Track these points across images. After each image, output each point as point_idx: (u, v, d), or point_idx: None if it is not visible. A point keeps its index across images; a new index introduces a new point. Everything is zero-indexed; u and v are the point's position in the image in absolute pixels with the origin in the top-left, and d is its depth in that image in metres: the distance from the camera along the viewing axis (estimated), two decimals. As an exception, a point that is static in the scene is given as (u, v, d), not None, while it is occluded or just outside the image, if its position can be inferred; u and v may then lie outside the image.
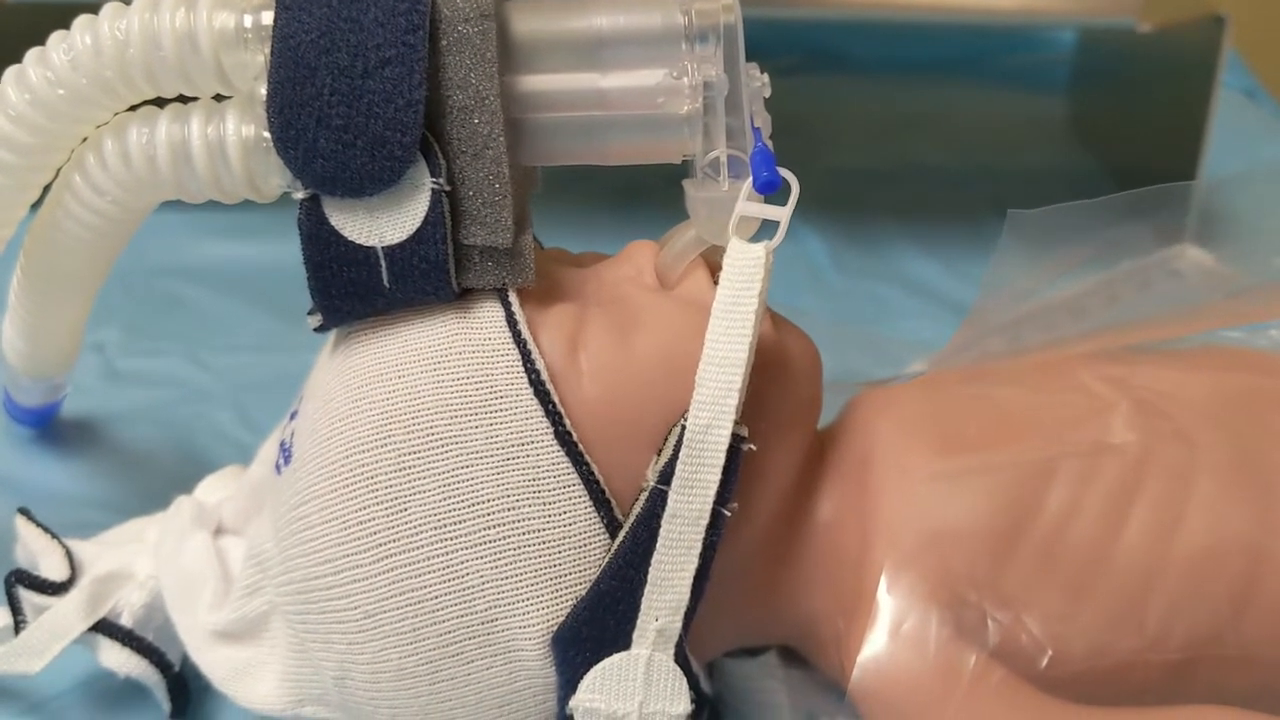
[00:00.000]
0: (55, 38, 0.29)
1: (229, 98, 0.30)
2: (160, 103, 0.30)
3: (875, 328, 0.58)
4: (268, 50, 0.28)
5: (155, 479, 0.46)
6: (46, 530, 0.35)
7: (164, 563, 0.33)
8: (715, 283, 0.29)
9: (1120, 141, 0.79)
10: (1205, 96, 0.59)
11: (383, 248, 0.28)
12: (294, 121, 0.27)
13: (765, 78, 0.29)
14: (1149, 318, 0.33)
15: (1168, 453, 0.30)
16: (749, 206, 0.28)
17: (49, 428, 0.48)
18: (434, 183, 0.27)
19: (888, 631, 0.28)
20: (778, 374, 0.29)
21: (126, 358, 0.53)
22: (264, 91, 0.27)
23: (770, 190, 0.28)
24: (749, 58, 0.29)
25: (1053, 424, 0.31)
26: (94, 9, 0.69)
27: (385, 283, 0.28)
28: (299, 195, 0.28)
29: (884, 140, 0.87)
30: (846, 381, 0.39)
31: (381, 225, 0.27)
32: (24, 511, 0.35)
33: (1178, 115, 0.63)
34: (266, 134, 0.28)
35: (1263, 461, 0.30)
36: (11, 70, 0.30)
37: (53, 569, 0.34)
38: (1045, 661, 0.28)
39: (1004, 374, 0.33)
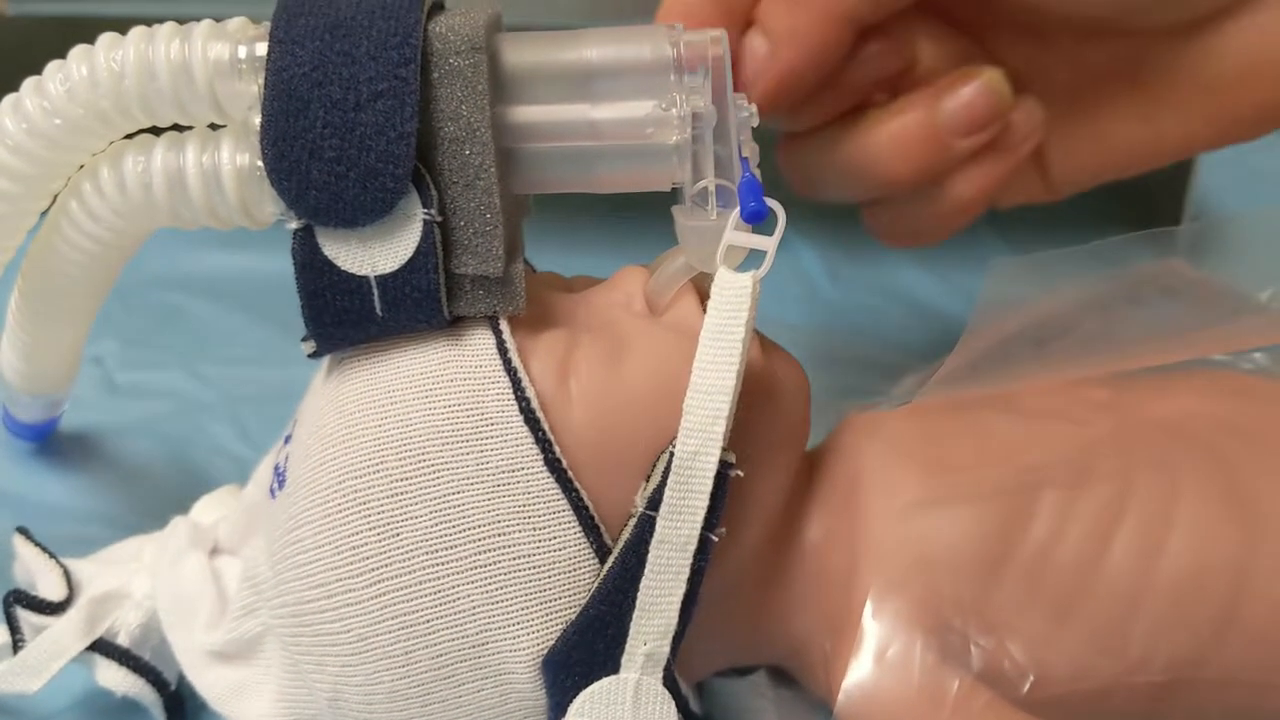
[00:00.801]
0: (52, 67, 0.30)
1: (223, 126, 0.30)
2: (155, 130, 0.30)
3: (867, 340, 0.58)
4: (261, 80, 0.28)
5: (153, 493, 0.46)
6: (44, 550, 0.35)
7: (160, 583, 0.33)
8: (704, 309, 0.29)
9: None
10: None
11: (375, 277, 0.28)
12: (288, 154, 0.27)
13: (753, 107, 0.29)
14: (1137, 343, 0.34)
15: (1151, 478, 0.31)
16: (736, 236, 0.28)
17: (48, 441, 0.48)
18: (426, 213, 0.27)
19: (873, 656, 0.28)
20: (765, 399, 0.30)
21: (125, 370, 0.53)
22: (258, 121, 0.28)
23: (758, 220, 0.28)
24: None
25: (1038, 450, 0.31)
26: (94, 20, 0.69)
27: (378, 311, 0.28)
28: (293, 225, 0.28)
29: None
30: (836, 400, 0.39)
31: (374, 255, 0.28)
32: (22, 530, 0.36)
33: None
34: (260, 162, 0.28)
35: (1245, 486, 0.31)
36: (8, 100, 0.30)
37: (50, 589, 0.34)
38: (1028, 686, 0.28)
39: (991, 400, 0.33)
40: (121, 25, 0.74)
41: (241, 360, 0.54)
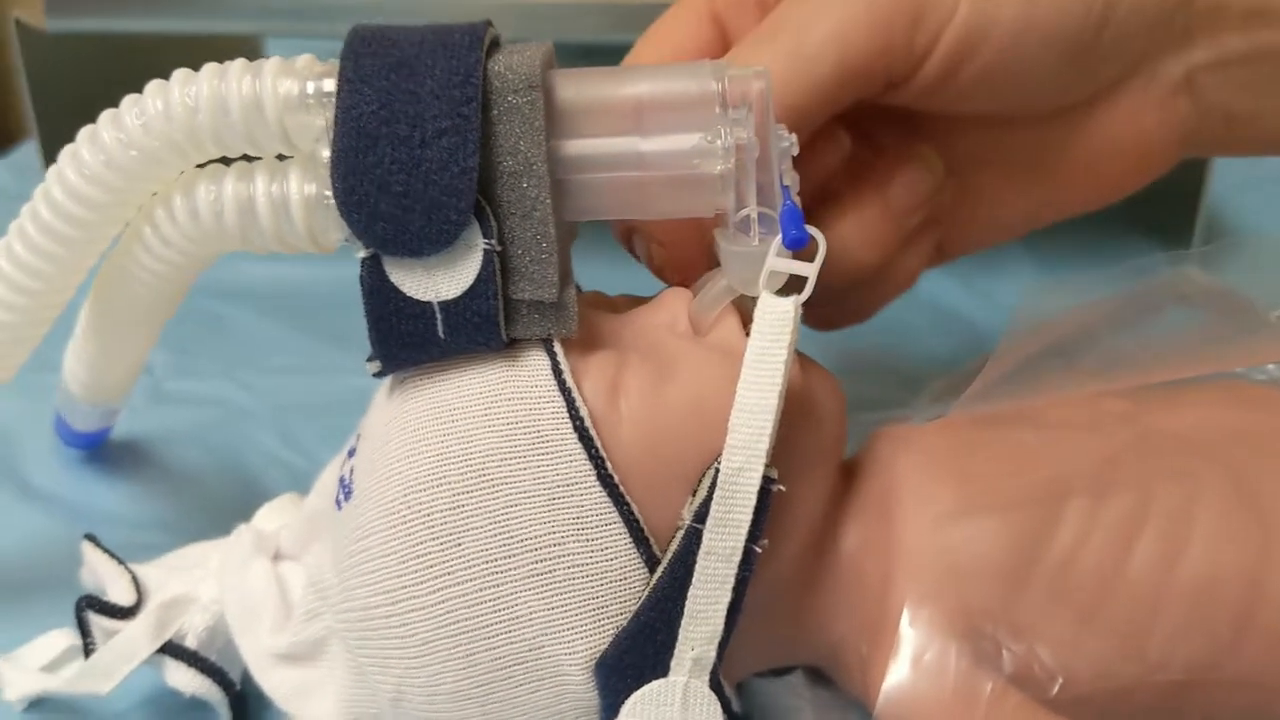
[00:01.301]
0: (128, 101, 0.31)
1: (290, 157, 0.32)
2: (225, 160, 0.32)
3: (894, 349, 0.59)
4: (329, 114, 0.30)
5: (204, 499, 0.48)
6: (113, 556, 0.37)
7: (227, 588, 0.35)
8: (745, 329, 0.31)
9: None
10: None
11: (438, 302, 0.30)
12: (357, 188, 0.29)
13: (794, 137, 0.31)
14: (1157, 359, 0.35)
15: (1170, 487, 0.32)
16: (778, 262, 0.30)
17: (99, 450, 0.50)
18: (486, 243, 0.29)
19: (910, 662, 0.30)
20: (805, 416, 0.31)
21: (173, 379, 0.55)
22: (326, 153, 0.29)
23: (798, 246, 0.30)
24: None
25: (1063, 461, 0.33)
26: (131, 36, 0.70)
27: (440, 334, 0.30)
28: (361, 254, 0.30)
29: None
30: (864, 410, 0.41)
31: (438, 282, 0.29)
32: (90, 537, 0.37)
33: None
34: (327, 192, 0.30)
35: (1261, 495, 0.32)
36: (85, 132, 0.32)
37: (120, 594, 0.36)
38: (1056, 689, 0.30)
39: (1018, 414, 0.34)
40: (157, 41, 0.76)
41: (285, 369, 0.56)
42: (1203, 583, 0.31)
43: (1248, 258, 0.39)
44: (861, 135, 0.38)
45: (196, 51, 0.80)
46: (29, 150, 0.79)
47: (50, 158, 0.69)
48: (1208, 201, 0.65)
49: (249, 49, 0.90)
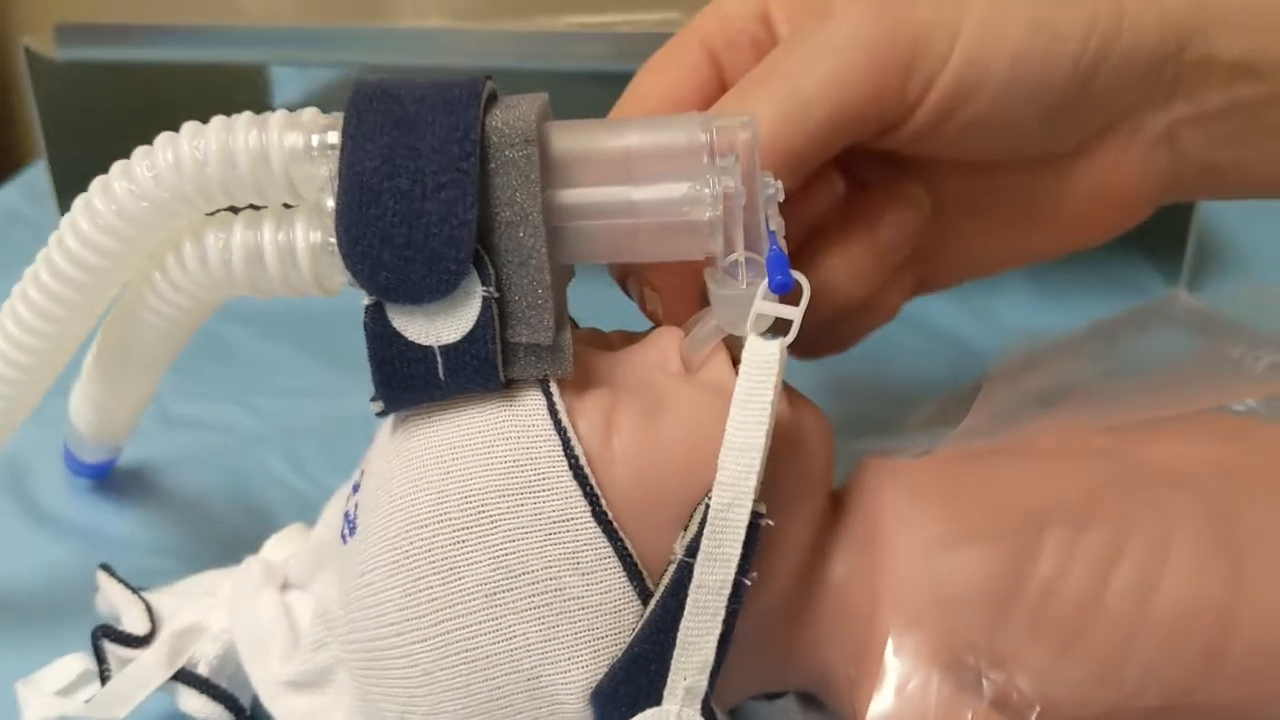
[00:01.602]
0: (139, 153, 0.33)
1: (294, 206, 0.33)
2: (233, 208, 0.33)
3: (886, 367, 0.60)
4: (331, 165, 0.31)
5: (212, 525, 0.49)
6: (127, 585, 0.38)
7: (238, 618, 0.36)
8: (735, 365, 0.32)
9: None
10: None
11: (439, 347, 0.31)
12: (360, 240, 0.30)
13: (779, 184, 0.32)
14: (1136, 398, 0.36)
15: (1148, 519, 0.33)
16: (765, 306, 0.31)
17: (110, 474, 0.51)
18: (485, 291, 0.30)
19: (894, 690, 0.31)
20: (792, 450, 0.32)
21: (180, 403, 0.56)
22: (330, 203, 0.31)
23: (784, 291, 0.31)
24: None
25: (1045, 493, 0.34)
26: (138, 66, 0.71)
27: (441, 376, 0.31)
28: (365, 301, 0.31)
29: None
30: (856, 433, 0.42)
31: (438, 327, 0.31)
32: (105, 567, 0.39)
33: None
34: (331, 239, 0.31)
35: (1235, 526, 0.33)
36: (98, 182, 0.33)
37: (134, 622, 0.37)
38: (1034, 716, 0.31)
39: (1002, 448, 0.36)
40: (164, 69, 0.77)
41: (292, 392, 0.58)
42: (1176, 614, 0.32)
43: (1245, 299, 0.41)
44: (850, 172, 0.39)
45: (202, 78, 0.81)
46: (39, 171, 0.81)
47: (59, 180, 0.70)
48: (1199, 215, 0.66)
49: (253, 77, 0.91)
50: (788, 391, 0.33)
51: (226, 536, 0.48)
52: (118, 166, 0.33)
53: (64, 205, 0.68)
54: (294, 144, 0.31)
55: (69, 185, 0.69)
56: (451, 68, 0.78)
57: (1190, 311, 0.46)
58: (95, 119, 0.71)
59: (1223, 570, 0.32)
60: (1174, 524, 0.33)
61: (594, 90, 0.77)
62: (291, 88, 0.98)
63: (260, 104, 0.99)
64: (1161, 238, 0.70)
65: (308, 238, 0.32)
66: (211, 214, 0.33)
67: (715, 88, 0.37)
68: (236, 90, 0.88)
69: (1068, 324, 0.46)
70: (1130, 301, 0.47)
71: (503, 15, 0.68)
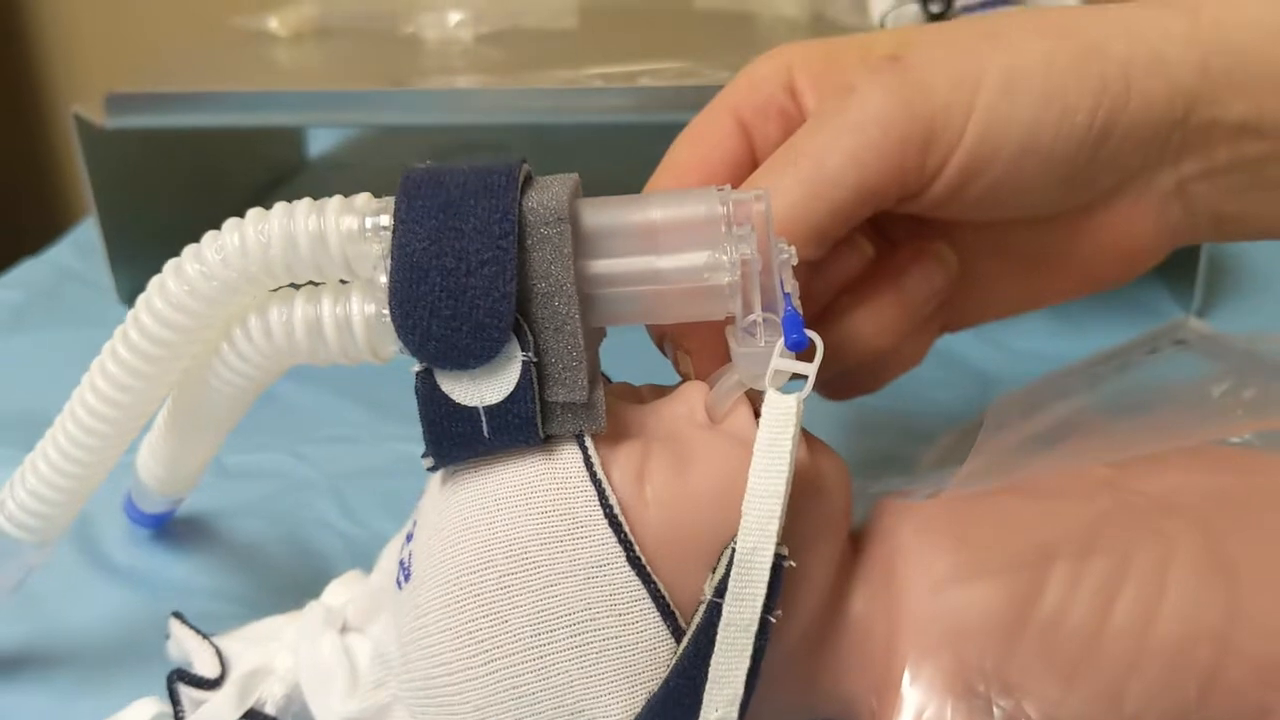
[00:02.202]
0: (208, 238, 0.36)
1: (349, 281, 0.36)
2: (293, 284, 0.36)
3: (903, 401, 0.62)
4: (383, 243, 0.34)
5: (269, 569, 0.52)
6: (198, 631, 0.41)
7: (301, 659, 0.39)
8: (756, 419, 0.34)
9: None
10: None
11: (484, 407, 0.34)
12: (411, 313, 0.33)
13: (793, 249, 0.35)
14: (1135, 435, 0.38)
15: (1147, 550, 0.35)
16: (781, 363, 0.34)
17: (172, 524, 0.54)
18: (524, 355, 0.33)
19: (912, 719, 0.34)
20: (813, 494, 0.35)
21: (233, 454, 0.59)
22: (383, 279, 0.34)
23: (799, 349, 0.34)
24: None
25: (1050, 527, 0.36)
26: (185, 131, 0.75)
27: (485, 434, 0.34)
28: (415, 369, 0.34)
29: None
30: (875, 470, 0.44)
31: (483, 390, 0.34)
32: (178, 615, 0.42)
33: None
34: (385, 311, 0.34)
35: (1232, 555, 0.36)
36: (170, 264, 0.36)
37: (205, 666, 0.40)
38: (1041, 740, 0.33)
39: (1012, 484, 0.38)
40: (211, 134, 0.81)
41: (338, 439, 0.61)
42: (1174, 642, 0.34)
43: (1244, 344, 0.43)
44: (878, 229, 0.41)
45: (242, 137, 0.85)
46: (88, 228, 0.85)
47: (109, 237, 0.73)
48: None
49: (289, 134, 0.94)
50: (807, 438, 0.36)
51: (283, 580, 0.51)
52: (188, 251, 0.36)
53: (113, 260, 0.72)
54: (349, 226, 0.34)
55: (118, 241, 0.73)
56: (483, 125, 0.81)
57: (1199, 336, 0.48)
58: (141, 176, 0.74)
59: (1220, 597, 0.35)
60: (1173, 553, 0.35)
61: (617, 138, 0.80)
62: (326, 140, 1.02)
63: (296, 158, 1.03)
64: (1175, 263, 0.71)
65: (363, 310, 0.35)
66: (274, 290, 0.36)
67: (747, 158, 0.40)
68: (274, 144, 0.92)
69: (1085, 352, 0.48)
70: (1148, 327, 0.49)
71: (527, 67, 0.71)
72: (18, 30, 1.26)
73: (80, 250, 0.84)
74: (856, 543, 0.38)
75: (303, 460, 0.59)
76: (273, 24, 0.81)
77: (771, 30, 0.78)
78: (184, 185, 0.83)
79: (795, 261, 0.35)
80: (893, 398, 0.63)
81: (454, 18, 0.78)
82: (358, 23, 0.82)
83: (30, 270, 0.83)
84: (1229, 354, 0.44)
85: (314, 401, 0.64)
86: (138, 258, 0.73)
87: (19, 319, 0.76)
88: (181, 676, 0.39)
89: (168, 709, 0.40)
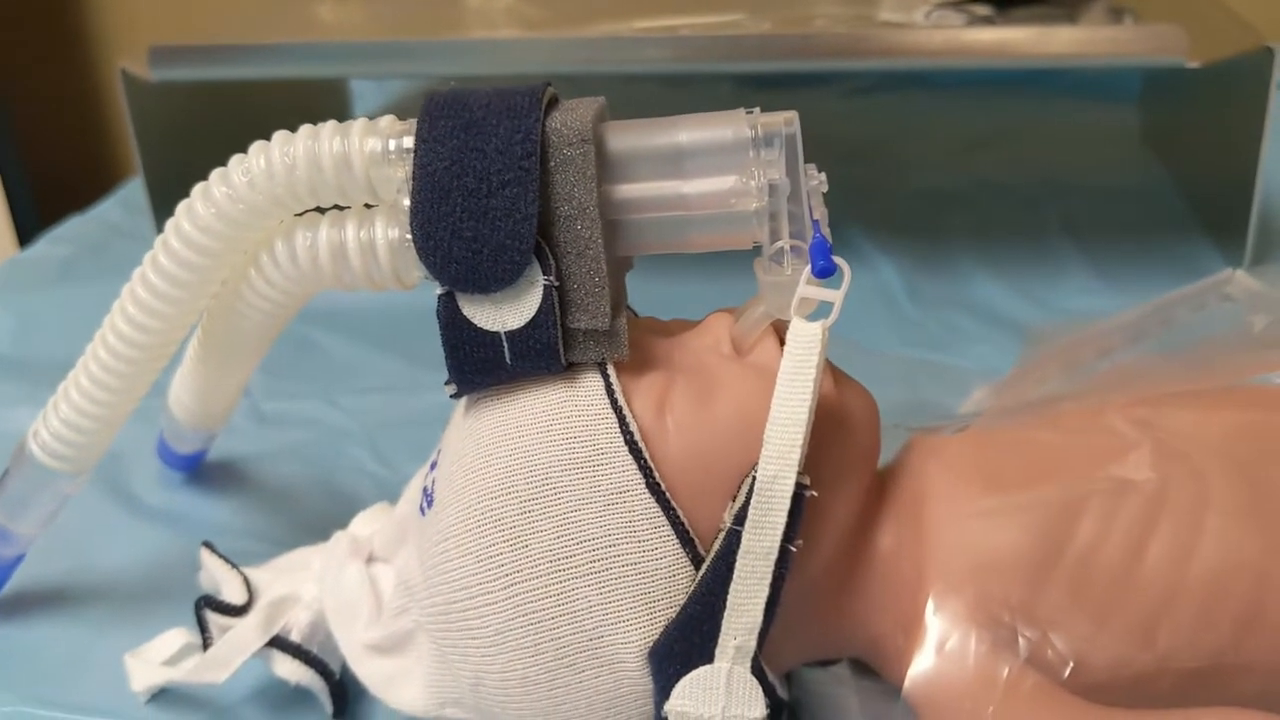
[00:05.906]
0: (234, 161, 0.36)
1: (374, 206, 0.36)
2: (319, 209, 0.36)
3: (943, 358, 0.62)
4: (407, 167, 0.34)
5: (303, 511, 0.53)
6: (227, 560, 0.41)
7: (326, 588, 0.39)
8: (782, 350, 0.34)
9: (1187, 150, 0.81)
10: (1259, 119, 0.63)
11: (505, 332, 0.33)
12: (433, 234, 0.33)
13: (823, 175, 0.34)
14: (1180, 371, 0.37)
15: (1184, 488, 0.35)
16: (808, 289, 0.33)
17: (202, 469, 0.55)
18: (546, 279, 0.33)
19: (935, 648, 0.33)
20: (838, 427, 0.34)
21: (270, 401, 0.60)
22: (406, 202, 0.33)
23: (826, 275, 0.33)
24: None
25: (1083, 464, 0.36)
26: (229, 84, 0.75)
27: (507, 360, 0.34)
28: (437, 291, 0.34)
29: (959, 158, 0.90)
30: (904, 423, 0.44)
31: (504, 314, 0.33)
32: (208, 544, 0.42)
33: (1236, 130, 0.66)
34: (408, 235, 0.34)
35: (1270, 494, 0.35)
36: (198, 188, 0.36)
37: (233, 594, 0.40)
38: (1067, 672, 0.33)
39: (1039, 421, 0.37)
40: (255, 90, 0.81)
41: (373, 389, 0.61)
42: (1212, 578, 0.33)
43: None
44: None
45: (287, 92, 0.85)
46: (135, 188, 0.86)
47: (155, 194, 0.74)
48: (1261, 198, 0.66)
49: (335, 90, 0.95)
50: (835, 373, 0.35)
51: (315, 521, 0.51)
52: (215, 173, 0.36)
53: (159, 217, 0.73)
54: (373, 148, 0.34)
55: (164, 198, 0.73)
56: (522, 75, 0.81)
57: (1246, 290, 0.47)
58: (187, 134, 0.75)
59: (1258, 534, 0.34)
60: (1209, 490, 0.34)
61: (657, 90, 0.80)
62: (371, 99, 1.02)
63: (342, 115, 1.03)
64: (1224, 219, 0.70)
65: (387, 234, 0.35)
66: (300, 214, 0.36)
67: None
68: (319, 102, 0.92)
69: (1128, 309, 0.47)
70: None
71: (568, 23, 0.70)
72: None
73: (127, 208, 0.86)
74: (886, 479, 0.38)
75: (339, 409, 0.60)
76: (317, -20, 0.81)
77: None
78: (229, 144, 0.83)
79: (825, 189, 0.34)
80: (931, 349, 0.63)
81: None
82: (402, -20, 0.82)
83: (78, 226, 0.84)
84: (1277, 307, 0.43)
85: (353, 353, 0.65)
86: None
87: (67, 272, 0.77)
88: (209, 603, 0.40)
89: (196, 640, 0.41)
